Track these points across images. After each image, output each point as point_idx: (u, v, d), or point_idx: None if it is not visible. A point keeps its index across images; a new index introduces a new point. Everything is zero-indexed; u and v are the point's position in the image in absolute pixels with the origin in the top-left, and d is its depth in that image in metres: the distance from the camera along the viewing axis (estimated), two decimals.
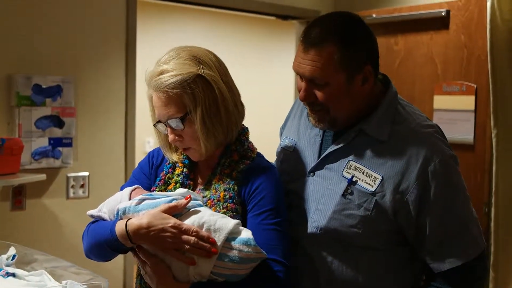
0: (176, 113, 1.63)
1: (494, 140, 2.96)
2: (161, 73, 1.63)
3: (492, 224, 2.98)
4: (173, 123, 1.64)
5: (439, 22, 3.31)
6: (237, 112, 1.70)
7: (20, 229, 3.10)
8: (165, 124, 1.67)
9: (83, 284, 1.66)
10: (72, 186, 3.25)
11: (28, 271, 1.85)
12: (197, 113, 1.62)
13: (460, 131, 3.11)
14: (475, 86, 3.14)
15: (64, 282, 1.67)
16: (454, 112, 3.21)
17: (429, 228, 1.64)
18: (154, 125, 1.71)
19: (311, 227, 1.71)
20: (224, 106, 1.65)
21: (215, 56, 1.70)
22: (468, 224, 1.67)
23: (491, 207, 2.99)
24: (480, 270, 1.71)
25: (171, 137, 1.67)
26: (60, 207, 3.24)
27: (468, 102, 3.17)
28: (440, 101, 3.28)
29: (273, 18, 4.24)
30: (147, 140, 6.28)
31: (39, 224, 3.17)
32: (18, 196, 3.09)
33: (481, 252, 1.68)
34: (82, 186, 3.28)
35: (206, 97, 1.62)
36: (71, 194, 3.26)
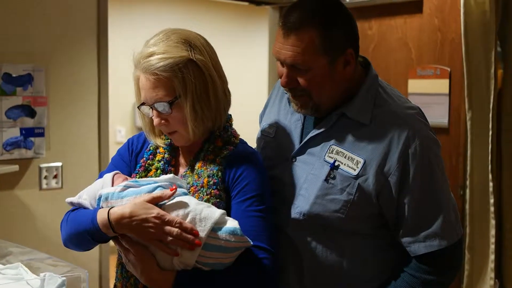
0: (164, 97, 1.59)
1: (468, 123, 2.98)
2: (151, 54, 1.59)
3: (467, 206, 3.01)
4: (160, 106, 1.61)
5: (412, 6, 3.31)
6: (225, 99, 1.68)
7: None
8: (151, 107, 1.63)
9: (62, 276, 1.63)
10: (45, 177, 3.19)
11: (4, 264, 1.81)
12: (187, 99, 1.59)
13: (434, 114, 3.13)
14: (449, 69, 3.15)
15: (42, 274, 1.64)
16: (428, 96, 3.22)
17: (407, 210, 1.65)
18: (138, 107, 1.67)
19: (294, 212, 1.70)
20: (214, 93, 1.63)
21: (205, 40, 1.67)
22: (445, 208, 1.67)
23: (466, 189, 3.02)
24: (455, 259, 1.72)
25: (156, 120, 1.64)
26: (33, 198, 3.18)
27: (442, 85, 3.18)
28: (414, 85, 3.29)
29: (246, 3, 4.21)
30: (118, 129, 6.22)
31: (11, 216, 3.11)
32: None
33: (457, 240, 1.69)
34: (55, 176, 3.23)
35: (196, 82, 1.59)
36: (44, 185, 3.20)
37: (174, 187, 1.54)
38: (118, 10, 5.76)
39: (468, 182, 3.00)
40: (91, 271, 3.35)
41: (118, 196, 1.55)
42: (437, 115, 3.15)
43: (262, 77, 5.06)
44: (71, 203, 1.66)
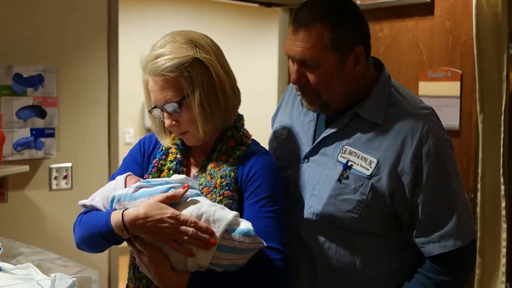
0: (173, 97, 1.60)
1: (480, 126, 2.96)
2: (157, 57, 1.60)
3: (478, 209, 2.99)
4: (170, 107, 1.61)
5: (424, 8, 3.29)
6: (235, 97, 1.68)
7: (3, 222, 3.04)
8: (161, 109, 1.64)
9: (73, 277, 1.63)
10: (55, 178, 3.20)
11: (14, 264, 1.82)
12: (195, 97, 1.59)
13: (445, 117, 3.10)
14: (460, 72, 3.14)
15: (53, 275, 1.64)
16: (439, 99, 3.20)
17: (420, 211, 1.64)
18: (149, 111, 1.68)
19: (307, 213, 1.70)
20: (222, 90, 1.63)
21: (211, 40, 1.68)
22: (459, 208, 1.66)
23: (477, 192, 3.00)
24: (469, 259, 1.72)
25: (167, 122, 1.64)
26: (43, 198, 3.18)
27: (453, 88, 3.16)
28: (425, 88, 3.28)
29: (256, 5, 4.20)
30: (127, 130, 6.23)
31: (22, 216, 3.12)
32: (0, 188, 3.03)
33: (471, 241, 1.68)
34: (65, 177, 3.23)
35: (203, 80, 1.60)
36: (54, 186, 3.20)
37: (186, 184, 1.54)
38: (128, 11, 5.77)
39: (479, 186, 2.98)
40: (101, 272, 3.35)
41: (131, 198, 1.55)
42: (448, 117, 3.13)
43: (272, 79, 5.04)
44: (84, 206, 1.66)
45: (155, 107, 1.65)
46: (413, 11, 3.34)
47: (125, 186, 1.61)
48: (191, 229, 1.48)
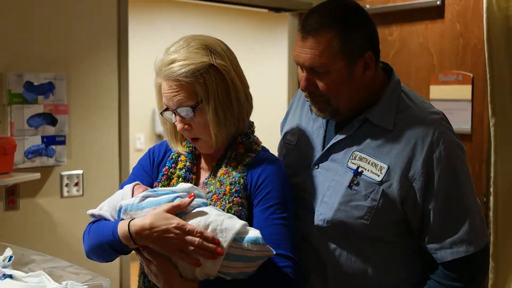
0: (187, 101, 1.59)
1: (492, 129, 2.94)
2: (172, 62, 1.59)
3: (491, 213, 2.97)
4: (183, 111, 1.61)
5: (434, 11, 3.28)
6: (248, 103, 1.68)
7: (14, 229, 3.05)
8: (174, 112, 1.63)
9: (84, 284, 1.63)
10: (66, 185, 3.21)
11: (26, 272, 1.81)
12: (209, 104, 1.59)
13: (457, 121, 3.09)
14: (471, 75, 3.12)
15: (64, 282, 1.64)
16: (450, 102, 3.19)
17: (432, 216, 1.63)
18: (161, 113, 1.67)
19: (317, 220, 1.69)
20: (236, 97, 1.63)
21: (226, 45, 1.67)
22: (471, 213, 1.65)
23: (489, 196, 2.97)
24: (483, 265, 1.70)
25: (179, 126, 1.64)
26: (54, 206, 3.19)
27: (464, 91, 3.15)
28: (436, 91, 3.26)
29: (265, 10, 4.21)
30: (137, 136, 6.24)
31: (33, 224, 3.13)
32: (12, 196, 3.04)
33: (484, 246, 1.67)
34: (76, 184, 3.24)
35: (218, 87, 1.59)
36: (65, 193, 3.21)
37: (192, 194, 1.53)
38: (138, 18, 5.79)
39: (491, 189, 2.96)
40: (112, 279, 3.35)
41: (138, 207, 1.54)
42: (460, 121, 3.12)
43: (281, 85, 5.05)
44: (92, 215, 1.66)
45: (167, 109, 1.64)
46: (423, 15, 3.33)
47: (133, 196, 1.61)
48: (197, 239, 1.47)
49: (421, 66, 3.34)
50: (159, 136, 6.39)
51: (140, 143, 6.29)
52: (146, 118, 6.33)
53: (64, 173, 3.20)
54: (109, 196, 1.69)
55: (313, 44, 1.61)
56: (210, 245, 1.47)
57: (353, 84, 1.65)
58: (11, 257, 1.83)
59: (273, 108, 5.98)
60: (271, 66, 6.86)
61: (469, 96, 3.13)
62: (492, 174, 2.96)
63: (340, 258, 1.68)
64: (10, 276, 1.75)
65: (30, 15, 3.07)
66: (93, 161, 3.30)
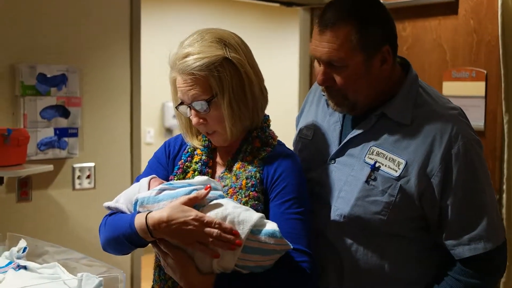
0: (202, 95, 1.59)
1: (506, 126, 2.92)
2: (187, 55, 1.59)
3: (504, 210, 2.96)
4: (198, 105, 1.60)
5: (447, 7, 3.26)
6: (262, 97, 1.68)
7: (27, 221, 3.06)
8: (189, 106, 1.63)
9: (99, 276, 1.63)
10: (78, 177, 3.22)
11: (40, 263, 1.82)
12: (224, 97, 1.58)
13: (470, 117, 3.00)
14: (485, 72, 3.10)
15: (79, 274, 1.63)
16: (464, 99, 3.17)
17: (450, 212, 1.62)
18: (176, 107, 1.67)
19: (334, 215, 1.68)
20: (250, 91, 1.62)
21: (240, 38, 1.66)
22: (489, 209, 1.64)
23: (502, 193, 2.96)
24: (501, 261, 1.69)
25: (195, 120, 1.63)
26: (66, 198, 3.20)
27: (478, 88, 3.13)
28: (449, 88, 3.24)
29: (277, 4, 4.19)
30: (147, 130, 6.24)
31: (45, 215, 3.14)
32: (24, 188, 3.05)
33: (502, 243, 1.66)
34: (88, 176, 3.25)
35: (233, 81, 1.59)
36: (77, 185, 3.22)
37: (208, 185, 1.53)
38: (150, 11, 5.79)
39: (504, 187, 2.94)
40: (123, 271, 3.37)
41: (154, 200, 1.54)
42: (473, 118, 3.08)
43: (293, 79, 5.02)
44: (108, 208, 1.66)
45: (182, 103, 1.64)
46: (437, 11, 3.31)
47: (149, 189, 1.61)
48: (216, 230, 1.47)
49: (434, 62, 3.32)
50: (168, 130, 6.39)
51: (150, 136, 6.30)
52: (155, 112, 6.33)
53: (76, 165, 3.21)
54: (121, 189, 1.69)
55: (331, 37, 1.60)
56: (229, 236, 1.46)
57: (371, 79, 1.64)
58: (25, 248, 1.83)
59: (284, 102, 5.96)
60: (282, 60, 6.84)
61: (482, 93, 3.11)
62: (505, 171, 2.94)
63: (356, 253, 1.68)
64: (25, 267, 1.76)
65: (43, 7, 3.08)
66: (105, 153, 3.31)
